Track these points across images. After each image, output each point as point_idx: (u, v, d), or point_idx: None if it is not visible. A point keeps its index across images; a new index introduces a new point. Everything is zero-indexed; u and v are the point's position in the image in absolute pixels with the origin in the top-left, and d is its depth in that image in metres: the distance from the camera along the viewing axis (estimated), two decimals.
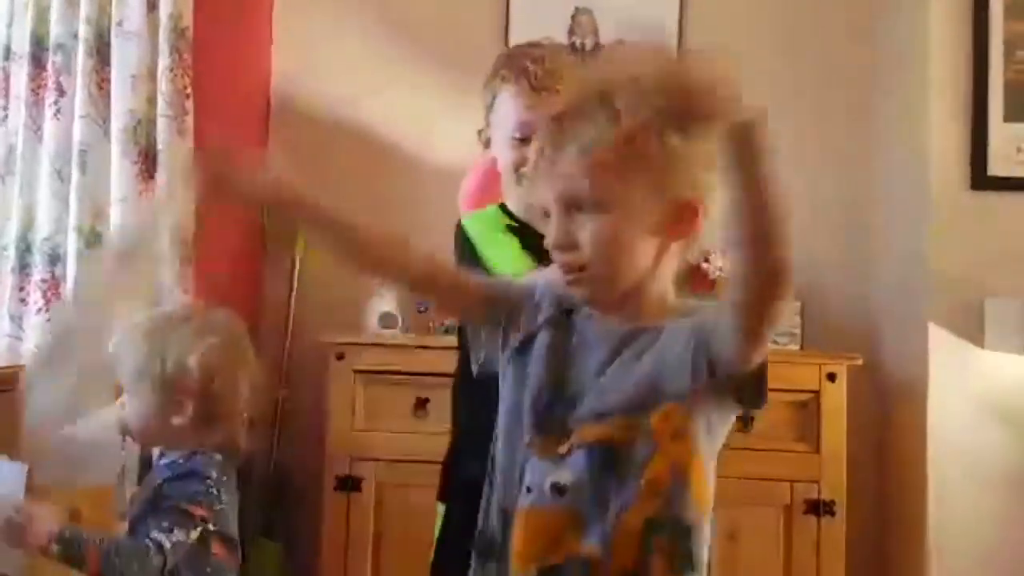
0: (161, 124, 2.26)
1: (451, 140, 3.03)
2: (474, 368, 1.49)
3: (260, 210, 3.05)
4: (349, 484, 2.55)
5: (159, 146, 2.26)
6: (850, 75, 3.03)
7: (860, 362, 2.60)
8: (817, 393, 2.57)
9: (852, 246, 2.99)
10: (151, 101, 2.27)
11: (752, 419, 2.55)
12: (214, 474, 1.44)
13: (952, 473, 2.58)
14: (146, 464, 1.74)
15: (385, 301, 2.86)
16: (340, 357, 2.59)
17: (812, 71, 3.03)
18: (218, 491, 1.44)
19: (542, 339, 1.13)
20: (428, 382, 2.51)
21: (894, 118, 2.93)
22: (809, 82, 3.02)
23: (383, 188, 3.07)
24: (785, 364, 2.64)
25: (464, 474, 1.47)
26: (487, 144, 1.63)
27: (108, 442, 1.85)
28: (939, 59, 2.65)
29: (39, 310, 2.20)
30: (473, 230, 1.65)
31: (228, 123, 2.78)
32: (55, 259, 2.22)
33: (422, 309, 2.93)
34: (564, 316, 1.14)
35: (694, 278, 2.90)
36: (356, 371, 2.58)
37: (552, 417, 1.09)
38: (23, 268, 2.22)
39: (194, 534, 1.40)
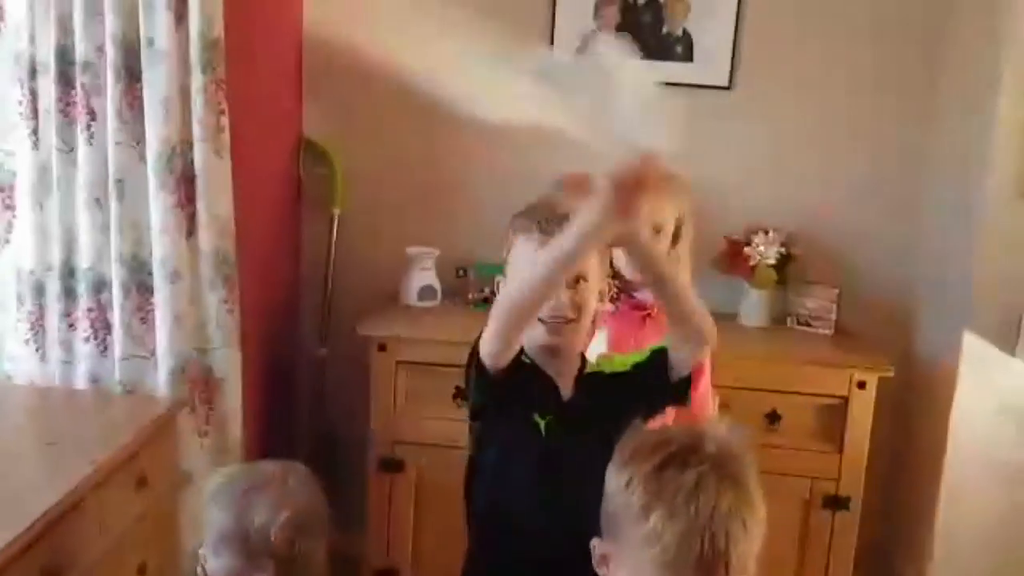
0: (198, 149, 2.19)
1: (496, 95, 2.92)
2: None
3: (297, 164, 3.04)
4: (392, 466, 2.69)
5: (197, 171, 2.20)
6: (911, 68, 2.88)
7: (891, 374, 2.63)
8: (846, 399, 2.63)
9: (898, 238, 2.94)
10: (185, 123, 2.18)
11: (780, 418, 2.64)
12: None
13: (969, 474, 2.68)
14: None
15: (425, 275, 2.87)
16: (382, 348, 2.64)
17: (870, 60, 2.89)
18: None
19: None
20: None
21: (957, 117, 2.78)
22: (867, 79, 2.89)
23: (426, 144, 3.01)
24: (817, 369, 2.68)
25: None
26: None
27: None
28: (1012, 59, 2.49)
29: (87, 339, 2.23)
30: None
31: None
32: (100, 287, 2.23)
33: (460, 275, 2.96)
34: None
35: (734, 260, 2.89)
36: (398, 362, 2.65)
37: None
38: (68, 294, 2.23)
39: None
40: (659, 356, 1.61)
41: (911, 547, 2.87)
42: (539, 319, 1.60)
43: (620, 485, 1.12)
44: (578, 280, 1.60)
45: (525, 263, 1.62)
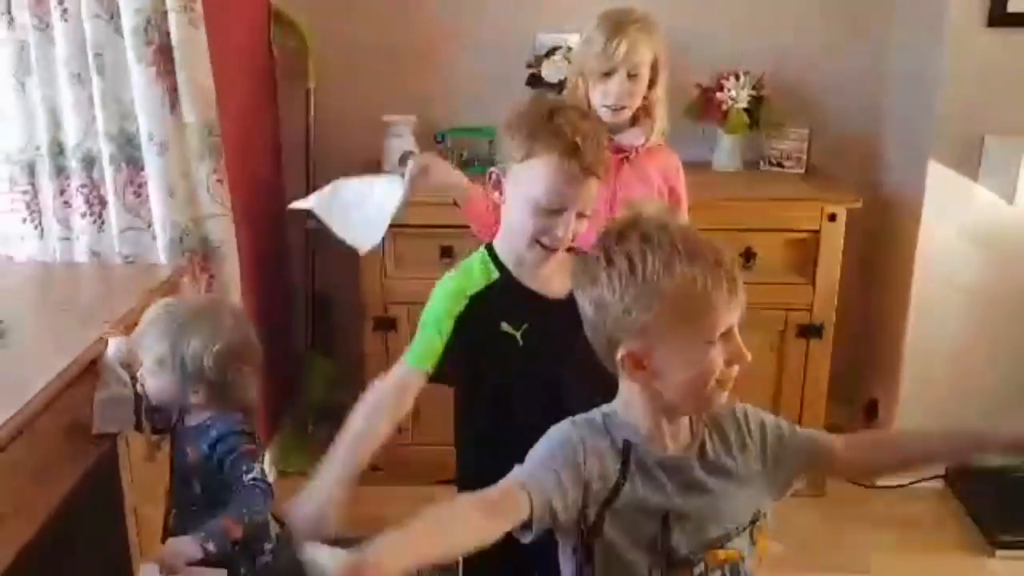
0: (173, 20, 2.20)
1: None
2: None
3: (268, 37, 3.04)
4: (385, 324, 2.81)
5: (174, 42, 2.22)
6: None
7: (859, 205, 2.74)
8: (817, 232, 2.74)
9: (865, 75, 3.00)
10: None
11: (755, 255, 2.76)
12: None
13: (935, 297, 2.83)
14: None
15: (404, 140, 2.92)
16: None
17: None
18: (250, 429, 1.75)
19: (634, 490, 1.21)
20: (451, 232, 2.65)
21: None
22: None
23: (397, 10, 3.02)
24: (789, 203, 2.79)
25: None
26: (496, 186, 1.62)
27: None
28: None
29: (83, 214, 2.30)
30: None
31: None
32: (90, 164, 2.27)
33: (439, 140, 3.01)
34: (627, 458, 1.22)
35: (707, 106, 2.95)
36: None
37: (679, 551, 1.22)
38: (60, 172, 2.28)
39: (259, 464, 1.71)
40: None
41: (882, 370, 3.04)
42: (536, 241, 1.55)
43: (623, 269, 1.16)
44: (582, 215, 1.55)
45: (540, 191, 1.52)
